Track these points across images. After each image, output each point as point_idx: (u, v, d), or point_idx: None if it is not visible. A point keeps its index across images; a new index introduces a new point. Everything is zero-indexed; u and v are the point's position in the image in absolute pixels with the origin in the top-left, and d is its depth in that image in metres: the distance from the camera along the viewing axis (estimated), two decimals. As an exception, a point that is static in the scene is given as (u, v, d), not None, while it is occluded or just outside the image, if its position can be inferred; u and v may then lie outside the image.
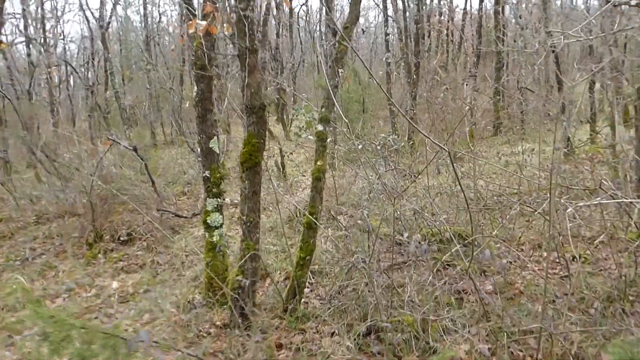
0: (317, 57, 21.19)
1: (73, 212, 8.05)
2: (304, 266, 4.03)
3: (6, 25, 22.45)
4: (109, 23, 16.60)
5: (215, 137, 4.52)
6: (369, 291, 3.71)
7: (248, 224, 3.60)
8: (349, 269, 4.13)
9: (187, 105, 17.98)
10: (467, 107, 9.53)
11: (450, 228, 4.38)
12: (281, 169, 9.95)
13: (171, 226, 6.92)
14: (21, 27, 16.21)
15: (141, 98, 16.46)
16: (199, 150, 11.26)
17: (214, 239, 4.50)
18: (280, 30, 20.98)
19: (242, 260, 3.61)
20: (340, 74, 4.19)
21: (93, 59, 15.69)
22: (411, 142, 11.66)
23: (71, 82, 21.28)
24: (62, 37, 20.54)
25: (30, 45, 15.43)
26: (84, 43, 21.04)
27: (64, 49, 21.54)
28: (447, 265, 4.48)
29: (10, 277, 5.95)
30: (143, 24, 18.76)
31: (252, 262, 3.65)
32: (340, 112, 3.81)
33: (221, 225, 4.55)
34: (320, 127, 4.11)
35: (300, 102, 11.80)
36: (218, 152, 4.55)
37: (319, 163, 4.04)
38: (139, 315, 4.55)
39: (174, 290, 5.06)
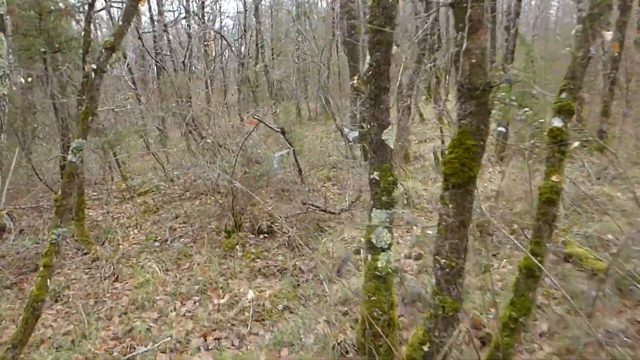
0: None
1: (215, 191, 7.57)
2: (514, 330, 2.66)
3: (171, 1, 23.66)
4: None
5: (390, 127, 3.29)
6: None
7: (447, 270, 2.34)
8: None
9: (337, 76, 17.27)
10: None
11: None
12: (440, 160, 8.47)
13: (316, 220, 5.96)
14: (183, 2, 16.72)
15: (289, 72, 15.98)
16: (348, 132, 10.27)
17: (379, 264, 3.32)
18: None
19: (429, 320, 2.36)
20: (597, 39, 2.65)
21: (245, 32, 15.54)
22: (602, 135, 9.30)
23: (225, 56, 21.88)
24: (219, 12, 21.06)
25: (191, 20, 15.80)
26: (239, 18, 21.40)
27: (220, 24, 22.07)
28: None
29: (147, 261, 5.50)
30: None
31: (447, 328, 2.38)
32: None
33: (389, 247, 3.35)
34: (557, 122, 2.65)
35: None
36: (392, 147, 3.32)
37: (552, 178, 2.59)
38: (275, 347, 3.59)
39: (319, 314, 4.04)
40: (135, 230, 6.85)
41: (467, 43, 2.04)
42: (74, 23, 6.37)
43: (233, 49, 15.54)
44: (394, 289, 3.42)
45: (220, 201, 6.86)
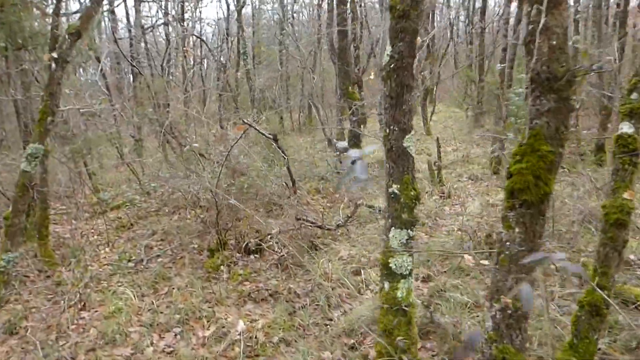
0: None
1: (196, 205, 6.97)
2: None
3: (149, 7, 22.96)
4: (244, 1, 15.85)
5: (413, 133, 2.79)
6: None
7: (509, 312, 1.81)
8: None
9: (320, 86, 16.81)
10: None
11: None
12: (436, 173, 8.04)
13: (309, 237, 5.40)
14: (162, 7, 16.08)
15: (272, 81, 15.46)
16: (335, 141, 9.76)
17: (399, 293, 2.80)
18: None
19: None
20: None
21: (227, 36, 14.99)
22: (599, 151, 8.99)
23: (205, 65, 21.26)
24: (199, 19, 20.47)
25: (169, 27, 15.16)
26: (219, 25, 20.83)
27: (200, 30, 21.47)
28: None
29: (119, 285, 4.86)
30: (277, 3, 17.80)
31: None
32: None
33: (410, 273, 2.83)
34: (627, 128, 2.18)
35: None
36: (414, 155, 2.82)
37: (624, 196, 2.12)
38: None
39: (321, 349, 3.48)
40: (106, 249, 6.19)
41: (546, 19, 1.55)
42: (40, 16, 5.73)
43: (213, 54, 14.94)
44: (414, 320, 2.91)
45: (202, 216, 6.26)
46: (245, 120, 5.08)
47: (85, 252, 5.89)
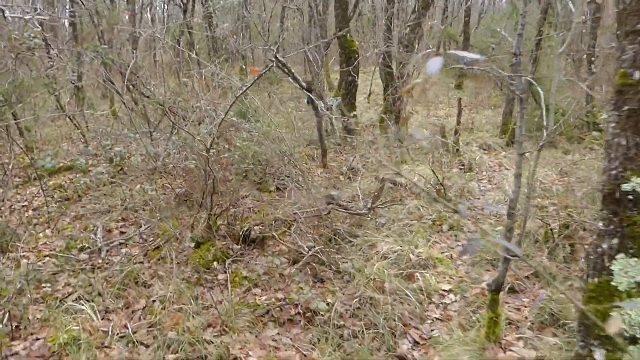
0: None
1: (168, 174, 5.46)
2: None
3: None
4: None
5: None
6: None
7: None
8: None
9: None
10: None
11: None
12: (452, 140, 6.86)
13: (334, 224, 4.08)
14: None
15: (237, 27, 13.58)
16: (329, 100, 8.31)
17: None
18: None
19: None
20: None
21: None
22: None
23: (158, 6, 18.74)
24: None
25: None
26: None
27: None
28: None
29: (72, 292, 3.39)
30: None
31: None
32: None
33: None
34: None
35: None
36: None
37: None
38: None
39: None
40: (47, 231, 4.60)
41: None
42: None
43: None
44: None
45: (179, 189, 4.79)
46: (274, 57, 3.54)
47: (18, 237, 4.29)
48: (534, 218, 4.40)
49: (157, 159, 5.36)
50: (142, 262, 3.87)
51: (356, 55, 7.53)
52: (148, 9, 15.77)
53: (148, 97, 6.16)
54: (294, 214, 3.76)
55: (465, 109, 11.07)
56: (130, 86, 6.37)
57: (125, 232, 4.45)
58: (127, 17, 13.33)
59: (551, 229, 4.02)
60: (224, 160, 3.82)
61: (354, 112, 7.77)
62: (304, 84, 4.07)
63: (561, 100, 8.95)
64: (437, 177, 4.91)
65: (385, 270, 3.40)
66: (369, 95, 12.56)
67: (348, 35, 7.29)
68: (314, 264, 3.56)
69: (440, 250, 3.96)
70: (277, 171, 4.78)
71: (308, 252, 3.43)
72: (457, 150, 6.78)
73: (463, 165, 6.49)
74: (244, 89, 3.52)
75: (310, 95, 4.14)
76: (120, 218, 4.85)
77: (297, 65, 15.72)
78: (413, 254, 3.67)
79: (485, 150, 7.52)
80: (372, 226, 4.29)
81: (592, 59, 8.33)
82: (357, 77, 7.81)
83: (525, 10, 2.19)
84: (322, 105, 7.74)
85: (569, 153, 7.37)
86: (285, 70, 3.75)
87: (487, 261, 3.73)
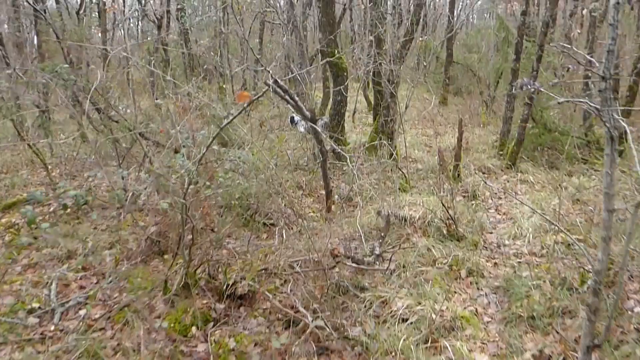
0: None
1: (137, 208, 4.77)
2: None
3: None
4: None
5: None
6: None
7: None
8: None
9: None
10: None
11: None
12: (452, 165, 6.32)
13: (337, 274, 3.44)
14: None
15: (215, 43, 12.93)
16: (320, 120, 7.66)
17: None
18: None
19: None
20: None
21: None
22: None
23: (130, 19, 17.99)
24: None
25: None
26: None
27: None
28: None
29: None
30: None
31: None
32: None
33: None
34: None
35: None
36: None
37: None
38: None
39: None
40: (-9, 286, 3.84)
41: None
42: None
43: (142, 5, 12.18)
44: None
45: (153, 225, 4.12)
46: (268, 81, 2.89)
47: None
48: (562, 258, 3.87)
49: (125, 193, 4.66)
50: (103, 329, 3.17)
51: (345, 74, 6.98)
52: (121, 25, 15.03)
53: (117, 121, 5.48)
54: (291, 266, 3.12)
55: (454, 127, 10.63)
56: (98, 109, 5.68)
57: (85, 288, 3.72)
58: (99, 33, 12.58)
59: (587, 271, 3.47)
60: (205, 204, 3.18)
61: (345, 135, 7.21)
62: (307, 114, 3.45)
63: (553, 116, 8.56)
64: (447, 210, 4.33)
65: (403, 337, 2.78)
66: (354, 113, 12.03)
67: (336, 51, 6.74)
68: (316, 329, 2.91)
69: (462, 304, 3.36)
70: (267, 207, 4.14)
71: (309, 318, 2.78)
72: (459, 175, 6.25)
73: (466, 192, 5.95)
74: (230, 118, 2.89)
75: (315, 126, 3.53)
76: (81, 266, 4.13)
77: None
78: (435, 313, 3.06)
79: (484, 173, 7.02)
80: (379, 274, 3.67)
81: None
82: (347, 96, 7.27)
83: (618, 20, 1.64)
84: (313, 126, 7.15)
85: (573, 175, 6.91)
86: (287, 97, 3.13)
87: (520, 317, 3.14)
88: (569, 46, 1.78)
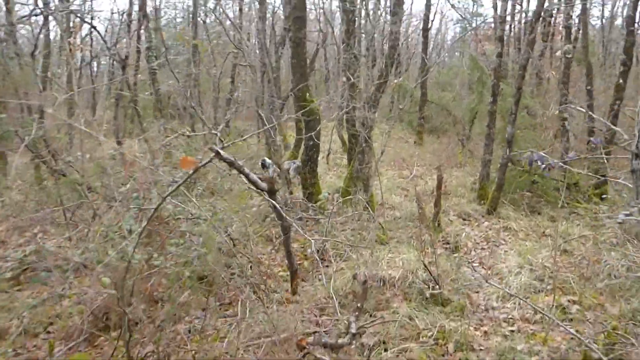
0: None
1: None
2: None
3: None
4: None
5: None
6: None
7: None
8: None
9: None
10: None
11: None
12: (432, 215, 5.98)
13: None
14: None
15: (182, 85, 12.55)
16: (288, 163, 7.24)
17: None
18: None
19: None
20: None
21: (129, 26, 11.86)
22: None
23: (95, 62, 17.60)
24: (91, 10, 16.76)
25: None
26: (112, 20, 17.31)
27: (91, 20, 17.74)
28: None
29: None
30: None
31: None
32: None
33: None
34: None
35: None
36: None
37: None
38: None
39: None
40: None
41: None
42: None
43: (106, 42, 11.79)
44: None
45: (101, 296, 3.60)
46: (211, 147, 2.43)
47: None
48: (558, 325, 3.49)
49: (71, 257, 4.12)
50: None
51: (317, 117, 6.67)
52: (86, 65, 14.61)
53: (64, 174, 4.98)
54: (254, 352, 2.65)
55: (430, 168, 10.39)
56: (43, 161, 5.18)
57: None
58: (60, 77, 12.10)
59: (589, 347, 3.09)
60: (147, 288, 2.70)
61: (319, 181, 6.83)
62: (264, 186, 3.03)
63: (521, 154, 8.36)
64: (429, 272, 3.94)
65: None
66: (328, 154, 11.73)
67: (307, 94, 6.44)
68: None
69: (453, 389, 2.92)
70: (227, 278, 3.67)
71: None
72: (439, 224, 5.90)
73: (447, 243, 5.59)
74: (175, 186, 2.47)
75: (273, 201, 3.11)
76: (12, 349, 3.55)
77: (249, 123, 14.84)
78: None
79: (465, 220, 6.69)
80: (354, 351, 3.21)
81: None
82: (319, 140, 6.94)
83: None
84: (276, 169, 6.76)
85: (556, 220, 6.63)
86: (235, 169, 2.71)
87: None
88: (592, 114, 1.44)
